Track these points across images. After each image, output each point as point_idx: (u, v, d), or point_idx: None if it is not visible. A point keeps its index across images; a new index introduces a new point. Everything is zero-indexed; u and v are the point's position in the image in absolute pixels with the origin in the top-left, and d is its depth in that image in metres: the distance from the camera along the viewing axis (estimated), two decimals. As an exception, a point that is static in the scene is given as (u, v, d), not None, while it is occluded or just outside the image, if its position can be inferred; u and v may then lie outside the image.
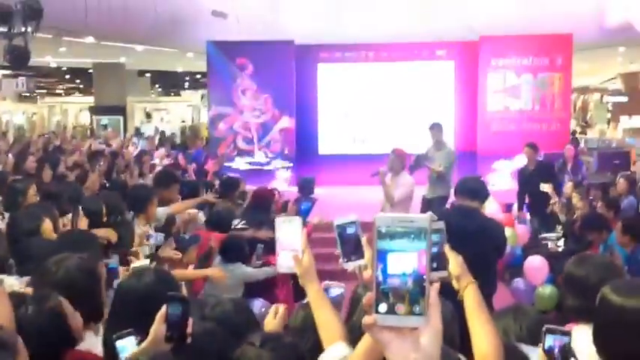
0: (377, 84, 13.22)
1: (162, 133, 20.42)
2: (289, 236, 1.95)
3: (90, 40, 11.92)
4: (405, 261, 1.04)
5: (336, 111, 13.23)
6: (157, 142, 16.07)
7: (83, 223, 4.14)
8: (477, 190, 4.53)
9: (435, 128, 8.52)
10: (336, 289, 3.01)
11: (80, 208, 4.23)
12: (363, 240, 1.85)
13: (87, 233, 3.81)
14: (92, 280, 2.52)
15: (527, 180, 8.75)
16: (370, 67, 13.30)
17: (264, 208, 6.82)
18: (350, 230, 1.86)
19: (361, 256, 1.84)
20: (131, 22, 11.53)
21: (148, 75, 27.12)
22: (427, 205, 8.31)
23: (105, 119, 20.12)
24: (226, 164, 12.39)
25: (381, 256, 1.03)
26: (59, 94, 35.77)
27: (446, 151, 8.47)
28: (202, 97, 28.21)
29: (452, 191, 7.21)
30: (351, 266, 1.85)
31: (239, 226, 5.86)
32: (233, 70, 12.84)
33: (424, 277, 1.05)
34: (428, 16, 14.81)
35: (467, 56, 13.03)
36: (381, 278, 1.02)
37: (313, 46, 13.33)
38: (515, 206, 9.13)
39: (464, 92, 13.11)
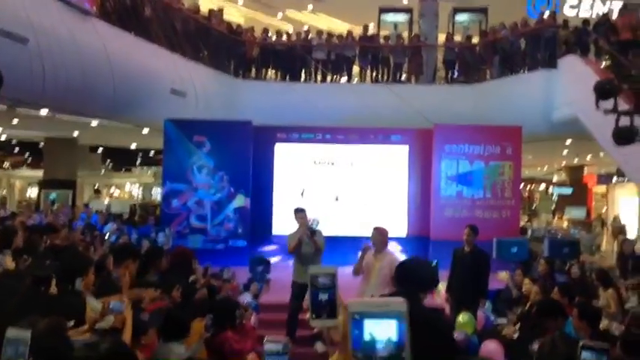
0: (332, 165, 13.37)
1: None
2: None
3: (45, 112, 11.74)
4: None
5: (292, 191, 13.21)
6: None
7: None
8: (422, 278, 3.55)
9: (303, 212, 8.69)
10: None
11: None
12: (339, 299, 1.74)
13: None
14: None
15: (460, 262, 8.42)
16: (326, 148, 13.45)
17: (182, 269, 6.63)
18: (326, 286, 1.72)
19: (333, 316, 1.73)
20: (89, 97, 11.42)
21: (99, 151, 26.85)
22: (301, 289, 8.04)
23: (53, 194, 19.64)
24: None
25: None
26: (5, 168, 35.00)
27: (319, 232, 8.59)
28: (155, 174, 27.98)
29: None
30: (319, 324, 1.74)
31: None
32: (190, 148, 12.79)
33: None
34: (384, 104, 15.26)
35: (421, 142, 13.29)
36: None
37: (271, 127, 13.46)
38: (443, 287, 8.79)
39: (418, 176, 13.32)
